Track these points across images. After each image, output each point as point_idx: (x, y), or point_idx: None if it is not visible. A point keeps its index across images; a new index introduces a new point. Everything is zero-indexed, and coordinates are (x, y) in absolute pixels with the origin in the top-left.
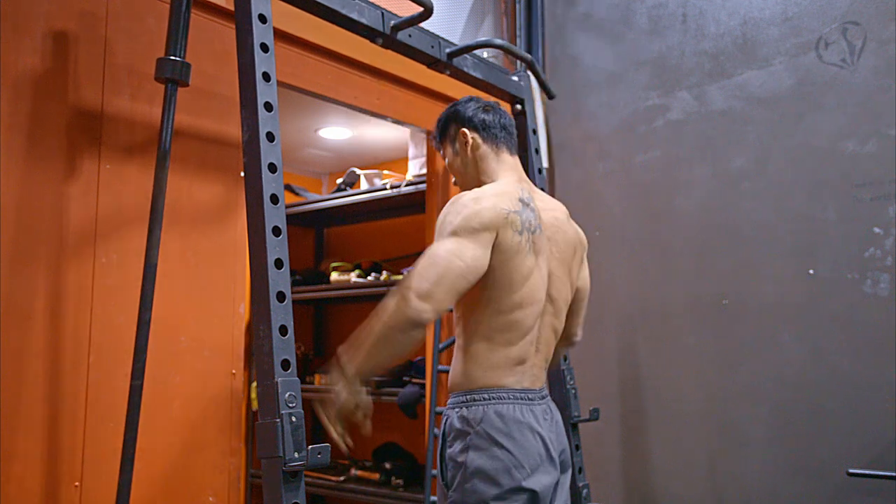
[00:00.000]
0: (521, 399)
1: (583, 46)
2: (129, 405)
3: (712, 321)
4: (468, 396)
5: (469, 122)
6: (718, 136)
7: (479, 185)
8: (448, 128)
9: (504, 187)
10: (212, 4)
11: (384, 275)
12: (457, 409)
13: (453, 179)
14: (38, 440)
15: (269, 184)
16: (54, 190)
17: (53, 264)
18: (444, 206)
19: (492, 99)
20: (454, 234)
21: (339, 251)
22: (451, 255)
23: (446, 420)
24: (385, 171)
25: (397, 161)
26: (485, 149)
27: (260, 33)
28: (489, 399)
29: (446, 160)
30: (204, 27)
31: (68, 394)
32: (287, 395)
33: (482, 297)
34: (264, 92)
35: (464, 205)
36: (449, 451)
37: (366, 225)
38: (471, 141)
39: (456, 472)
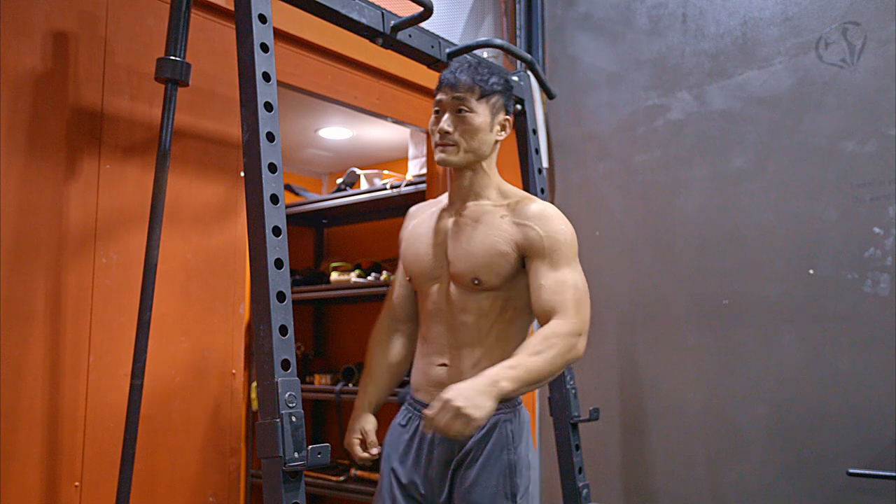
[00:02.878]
0: None
1: (583, 46)
2: (129, 405)
3: (713, 321)
4: (517, 399)
5: (511, 113)
6: (718, 136)
7: (479, 164)
8: (497, 97)
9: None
10: (212, 4)
11: (384, 275)
12: (513, 413)
13: (469, 138)
14: (38, 440)
15: (269, 184)
16: (54, 190)
17: (53, 264)
18: None
19: None
20: (577, 257)
21: (339, 251)
22: (586, 286)
23: (507, 425)
24: (385, 171)
25: (397, 161)
26: (499, 145)
27: (260, 33)
28: (520, 401)
29: (473, 117)
30: (204, 27)
31: (68, 394)
32: (287, 395)
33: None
34: (264, 92)
35: (568, 223)
36: (519, 453)
37: (366, 225)
38: (506, 131)
39: (523, 470)
